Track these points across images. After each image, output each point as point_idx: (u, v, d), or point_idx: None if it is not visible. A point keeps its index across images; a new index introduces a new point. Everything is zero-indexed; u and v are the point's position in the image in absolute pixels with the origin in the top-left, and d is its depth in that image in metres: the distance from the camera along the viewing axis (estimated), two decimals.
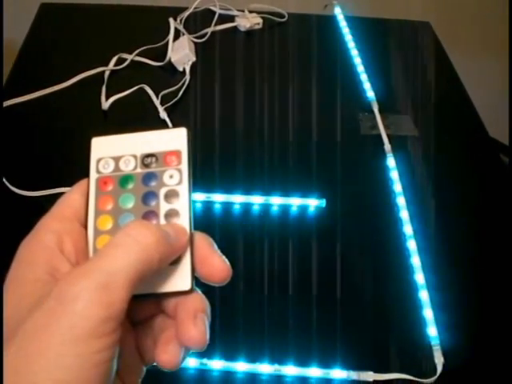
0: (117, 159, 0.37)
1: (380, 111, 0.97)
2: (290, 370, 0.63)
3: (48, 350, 0.28)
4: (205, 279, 0.35)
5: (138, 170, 0.36)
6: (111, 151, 0.37)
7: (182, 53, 1.03)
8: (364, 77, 1.03)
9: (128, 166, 0.37)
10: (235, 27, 1.16)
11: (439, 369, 0.65)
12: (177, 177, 0.36)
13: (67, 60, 1.05)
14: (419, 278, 0.73)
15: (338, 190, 0.83)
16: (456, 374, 0.66)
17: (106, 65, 1.01)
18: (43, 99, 0.94)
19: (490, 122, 1.03)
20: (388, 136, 0.92)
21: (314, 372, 0.63)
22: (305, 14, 1.21)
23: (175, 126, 0.37)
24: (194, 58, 1.03)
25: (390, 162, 0.88)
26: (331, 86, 1.02)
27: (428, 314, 0.70)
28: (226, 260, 0.36)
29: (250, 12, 1.17)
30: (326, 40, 1.14)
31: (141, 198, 0.36)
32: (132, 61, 1.03)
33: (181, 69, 1.02)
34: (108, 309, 0.29)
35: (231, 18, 1.16)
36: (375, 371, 0.64)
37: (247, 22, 1.15)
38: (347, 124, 0.95)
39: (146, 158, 0.37)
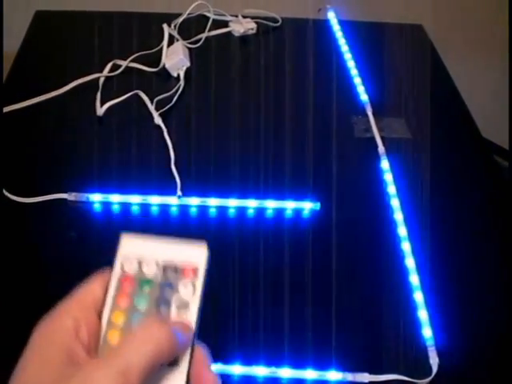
0: (141, 261, 0.40)
1: (374, 114, 0.98)
2: (286, 372, 0.64)
3: None
4: None
5: (158, 276, 0.39)
6: (137, 252, 0.40)
7: (176, 58, 1.03)
8: (358, 80, 1.04)
9: (150, 271, 0.39)
10: (229, 32, 1.16)
11: (434, 369, 0.65)
12: (190, 289, 0.39)
13: (62, 67, 1.06)
14: (414, 279, 0.74)
15: (333, 193, 0.84)
16: (451, 374, 0.66)
17: (101, 71, 1.01)
18: (39, 106, 0.95)
19: (483, 122, 1.04)
20: (382, 138, 0.93)
21: (310, 374, 0.64)
22: (298, 18, 1.21)
23: (195, 238, 0.40)
24: (188, 64, 1.04)
25: (384, 164, 0.88)
26: (325, 89, 1.02)
27: (423, 315, 0.70)
28: (219, 380, 0.38)
29: (244, 17, 1.17)
30: (320, 44, 1.14)
31: (155, 301, 0.39)
32: (126, 67, 1.03)
33: (175, 74, 1.03)
34: None
35: (225, 24, 1.17)
36: (371, 372, 0.65)
37: (241, 27, 1.16)
38: (341, 127, 0.96)
39: (167, 267, 0.39)
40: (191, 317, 0.39)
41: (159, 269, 0.39)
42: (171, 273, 0.39)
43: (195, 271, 0.39)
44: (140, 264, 0.40)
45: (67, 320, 0.37)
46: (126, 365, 0.33)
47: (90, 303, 0.38)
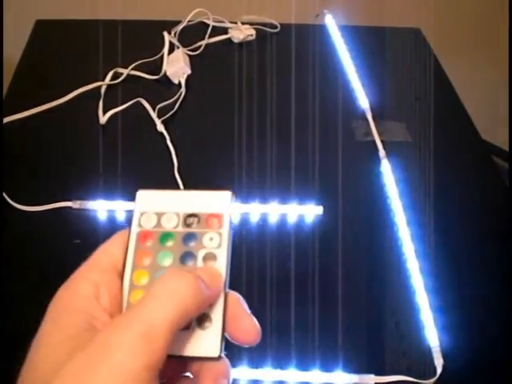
0: (160, 215, 0.37)
1: (374, 118, 0.99)
2: (292, 373, 0.64)
3: None
4: (232, 339, 0.36)
5: (180, 228, 0.37)
6: (155, 206, 0.38)
7: (177, 66, 1.04)
8: (357, 84, 1.05)
9: (170, 224, 0.37)
10: (229, 39, 1.17)
11: (439, 370, 0.66)
12: (216, 240, 0.36)
13: (64, 76, 1.06)
14: (417, 281, 0.74)
15: (335, 196, 0.84)
16: (455, 375, 0.67)
17: (103, 79, 1.02)
18: (42, 115, 0.95)
19: (482, 125, 1.05)
20: (382, 142, 0.94)
21: (316, 376, 0.64)
22: (297, 24, 1.22)
23: (220, 187, 0.38)
24: (189, 71, 1.04)
25: (385, 167, 0.89)
26: (325, 94, 1.03)
27: (427, 316, 0.71)
28: (257, 322, 0.36)
29: (243, 24, 1.18)
30: (319, 49, 1.15)
31: (179, 257, 0.36)
32: (128, 75, 1.04)
33: (176, 81, 1.04)
34: (149, 358, 0.30)
35: (224, 30, 1.18)
36: (376, 374, 0.65)
37: (240, 33, 1.17)
38: (342, 131, 0.97)
39: (188, 218, 0.37)
40: (220, 267, 0.36)
41: (180, 221, 0.37)
42: (193, 223, 0.37)
43: (220, 219, 0.37)
44: (159, 217, 0.37)
45: (85, 285, 0.34)
46: (149, 325, 0.30)
47: (109, 265, 0.36)
